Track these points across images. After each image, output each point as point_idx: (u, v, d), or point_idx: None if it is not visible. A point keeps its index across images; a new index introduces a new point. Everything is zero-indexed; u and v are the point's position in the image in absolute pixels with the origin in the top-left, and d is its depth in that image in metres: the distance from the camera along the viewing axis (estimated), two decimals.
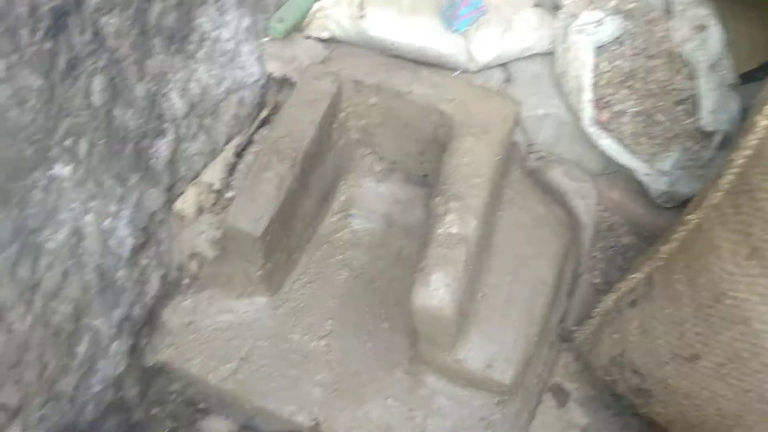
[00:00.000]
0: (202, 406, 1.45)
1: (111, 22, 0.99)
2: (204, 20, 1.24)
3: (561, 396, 1.52)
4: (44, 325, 1.04)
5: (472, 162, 1.27)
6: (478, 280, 1.31)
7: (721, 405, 1.04)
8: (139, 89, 1.11)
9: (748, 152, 0.97)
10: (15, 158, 0.89)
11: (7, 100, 0.84)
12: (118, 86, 1.05)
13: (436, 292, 1.13)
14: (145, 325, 1.33)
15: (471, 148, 1.28)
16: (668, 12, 1.63)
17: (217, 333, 1.39)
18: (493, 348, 1.28)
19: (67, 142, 0.97)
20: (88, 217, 1.07)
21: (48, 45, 0.88)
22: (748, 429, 1.01)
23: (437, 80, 1.36)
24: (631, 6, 1.63)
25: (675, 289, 1.11)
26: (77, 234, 1.06)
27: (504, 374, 1.27)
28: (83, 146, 1.01)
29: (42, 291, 1.02)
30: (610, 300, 1.33)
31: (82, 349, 1.16)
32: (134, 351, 1.32)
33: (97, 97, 1.00)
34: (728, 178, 1.01)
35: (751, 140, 0.96)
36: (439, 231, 1.19)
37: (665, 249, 1.18)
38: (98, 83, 1.00)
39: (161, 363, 1.38)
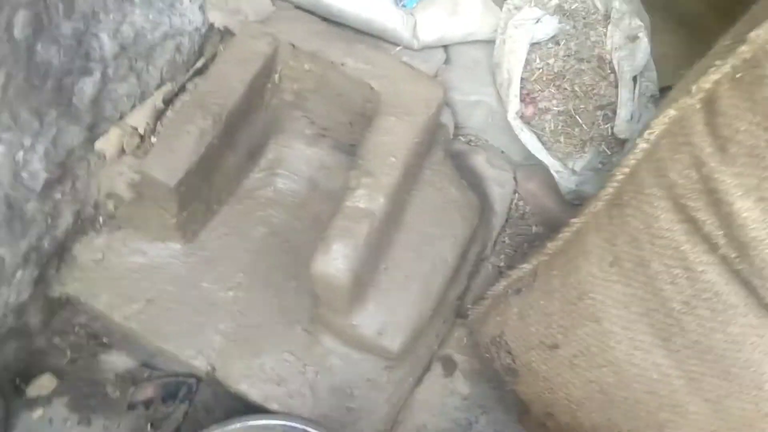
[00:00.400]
0: (104, 340, 1.49)
1: None
2: None
3: (449, 366, 1.64)
4: None
5: (390, 142, 1.32)
6: (382, 254, 1.39)
7: (570, 391, 1.16)
8: (66, 27, 1.11)
9: (626, 170, 1.06)
10: None
11: None
12: (43, 22, 1.05)
13: (334, 261, 1.20)
14: (54, 257, 1.36)
15: (392, 127, 1.34)
16: (607, 18, 1.71)
17: (127, 273, 1.43)
18: (387, 317, 1.37)
19: None
20: (0, 148, 1.08)
21: None
22: (587, 413, 1.14)
23: (371, 56, 1.40)
24: (574, 6, 1.70)
25: (551, 283, 1.22)
26: None
27: (393, 342, 1.37)
28: (0, 78, 1.01)
29: None
30: (501, 285, 1.43)
31: None
32: (40, 281, 1.35)
33: (18, 31, 1.00)
34: (608, 190, 1.11)
35: (630, 160, 1.05)
36: (348, 203, 1.25)
37: (551, 246, 1.28)
38: (21, 17, 1.00)
39: (67, 295, 1.41)
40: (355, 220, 1.24)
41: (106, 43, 1.24)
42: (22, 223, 1.22)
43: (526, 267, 1.35)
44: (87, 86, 1.23)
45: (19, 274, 1.28)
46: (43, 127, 1.16)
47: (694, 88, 0.91)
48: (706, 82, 0.89)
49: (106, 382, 1.46)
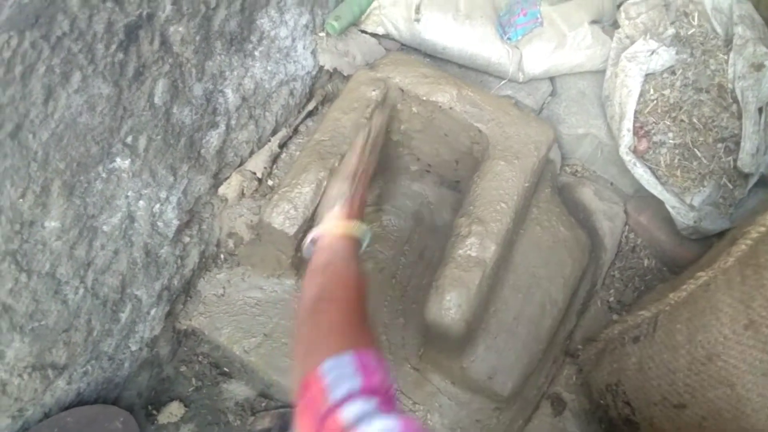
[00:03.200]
0: (225, 369, 1.59)
1: (179, 31, 1.06)
2: (264, 21, 1.29)
3: (558, 405, 1.61)
4: (94, 295, 1.17)
5: (500, 187, 1.32)
6: (491, 295, 1.38)
7: None
8: (197, 89, 1.18)
9: (762, 229, 1.00)
10: (81, 155, 0.99)
11: (80, 107, 0.93)
12: (179, 87, 1.13)
13: (447, 311, 1.21)
14: (182, 293, 1.46)
15: (501, 172, 1.33)
16: (727, 44, 1.61)
17: (246, 308, 1.51)
18: (497, 361, 1.37)
19: (128, 139, 1.07)
20: (141, 203, 1.18)
21: (119, 56, 0.96)
22: None
23: (478, 99, 1.39)
24: (690, 32, 1.61)
25: (675, 338, 1.17)
26: (129, 218, 1.17)
27: (503, 387, 1.36)
28: (142, 142, 1.10)
29: (94, 267, 1.14)
30: (615, 330, 1.39)
31: (124, 315, 1.29)
32: (170, 315, 1.45)
33: (158, 99, 1.09)
34: (741, 247, 1.05)
35: None
36: (459, 252, 1.26)
37: (673, 296, 1.22)
38: (161, 86, 1.08)
39: (193, 328, 1.51)
40: (467, 270, 1.24)
41: (231, 98, 1.31)
42: (157, 267, 1.32)
43: (645, 314, 1.30)
44: (213, 138, 1.31)
45: (153, 311, 1.38)
46: (177, 180, 1.25)
47: None
48: None
49: (228, 411, 1.55)
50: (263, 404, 1.57)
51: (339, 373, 0.76)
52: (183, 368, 1.58)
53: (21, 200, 0.91)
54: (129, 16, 0.94)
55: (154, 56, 1.03)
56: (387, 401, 0.73)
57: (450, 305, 1.21)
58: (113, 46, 0.94)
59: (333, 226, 1.09)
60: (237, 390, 1.57)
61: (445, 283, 1.23)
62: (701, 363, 1.09)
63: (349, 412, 0.69)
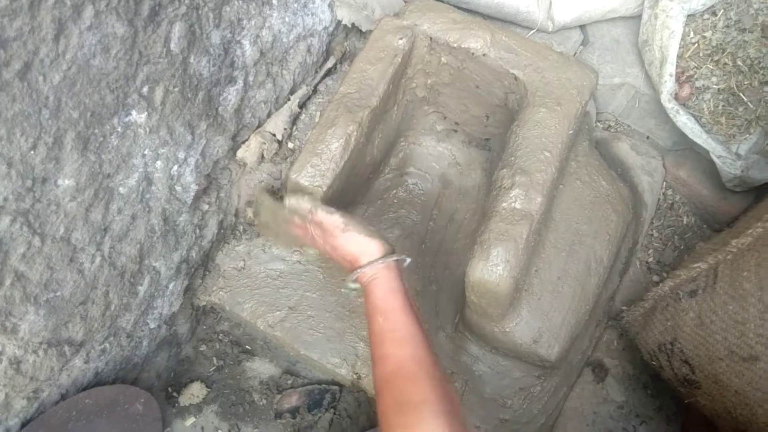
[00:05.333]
0: (248, 347, 1.49)
1: None
2: None
3: (600, 372, 1.53)
4: (111, 265, 1.07)
5: (542, 135, 1.22)
6: (534, 254, 1.30)
7: None
8: (215, 36, 1.08)
9: None
10: (96, 104, 0.89)
11: (93, 47, 0.83)
12: (196, 33, 1.03)
13: (495, 267, 1.12)
14: (201, 267, 1.36)
15: (543, 120, 1.23)
16: None
17: (268, 280, 1.41)
18: (542, 324, 1.28)
19: (145, 90, 0.97)
20: (158, 164, 1.08)
21: None
22: None
23: (514, 44, 1.29)
24: None
25: (742, 286, 1.08)
26: (147, 179, 1.07)
27: (550, 351, 1.27)
28: (159, 94, 1.00)
29: (111, 234, 1.04)
30: (666, 286, 1.30)
31: (143, 288, 1.19)
32: (188, 291, 1.36)
33: (175, 45, 0.99)
34: None
35: None
36: (504, 205, 1.17)
37: (736, 243, 1.14)
38: (178, 30, 0.98)
39: (213, 304, 1.42)
40: (513, 223, 1.15)
41: (248, 50, 1.21)
42: (176, 236, 1.23)
43: (701, 266, 1.21)
44: (231, 95, 1.21)
45: (171, 285, 1.29)
46: (195, 139, 1.15)
47: None
48: None
49: (252, 390, 1.46)
50: (289, 382, 1.48)
51: None
52: (203, 347, 1.49)
53: (32, 152, 0.81)
54: None
55: None
56: None
57: (498, 260, 1.12)
58: None
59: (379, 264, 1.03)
60: (261, 368, 1.48)
61: (490, 237, 1.14)
62: None
63: None
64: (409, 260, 1.07)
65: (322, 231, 1.11)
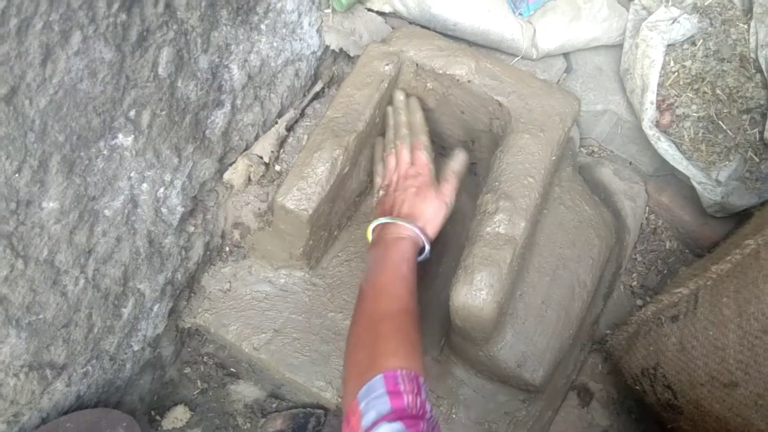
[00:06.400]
0: (232, 370, 1.49)
1: None
2: None
3: (585, 396, 1.53)
4: (95, 287, 1.07)
5: (526, 161, 1.24)
6: (518, 279, 1.31)
7: None
8: (203, 61, 1.10)
9: None
10: (82, 128, 0.89)
11: (80, 72, 0.84)
12: (184, 58, 1.04)
13: (478, 292, 1.13)
14: (186, 288, 1.36)
15: (526, 146, 1.25)
16: (748, 12, 1.56)
17: (254, 303, 1.41)
18: (526, 348, 1.29)
19: (131, 113, 0.98)
20: (144, 186, 1.08)
21: (122, 17, 0.87)
22: None
23: (498, 71, 1.32)
24: (708, 2, 1.56)
25: (722, 312, 1.10)
26: (133, 202, 1.07)
27: (534, 375, 1.28)
28: (146, 117, 1.01)
29: (95, 256, 1.04)
30: (649, 311, 1.32)
31: (126, 310, 1.19)
32: (173, 313, 1.35)
33: (162, 69, 1.00)
34: None
35: None
36: (487, 230, 1.18)
37: (716, 269, 1.16)
38: (166, 55, 0.99)
39: (197, 326, 1.41)
40: (497, 248, 1.16)
41: (236, 74, 1.22)
42: (161, 258, 1.23)
43: (682, 292, 1.23)
44: (219, 118, 1.23)
45: (156, 307, 1.28)
46: (181, 162, 1.16)
47: None
48: None
49: (236, 414, 1.45)
50: (274, 405, 1.47)
51: (370, 398, 0.82)
52: (187, 370, 1.48)
53: (17, 175, 0.82)
54: None
55: (158, 20, 0.94)
56: (414, 423, 0.78)
57: (481, 285, 1.12)
58: (115, 5, 0.85)
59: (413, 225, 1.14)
60: (246, 391, 1.48)
61: (474, 262, 1.15)
62: (755, 336, 1.02)
63: None
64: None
65: (420, 172, 1.21)
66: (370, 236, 1.19)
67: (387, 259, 1.07)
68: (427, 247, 1.14)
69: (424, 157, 1.25)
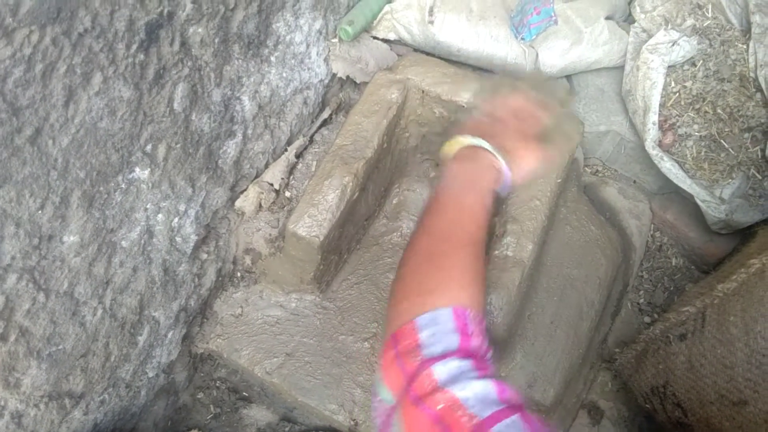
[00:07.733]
0: (245, 394, 1.50)
1: (198, 32, 1.00)
2: (280, 25, 1.24)
3: (596, 414, 1.54)
4: (112, 317, 1.09)
5: (532, 184, 1.27)
6: (526, 300, 1.32)
7: None
8: (216, 94, 1.13)
9: None
10: (101, 164, 0.92)
11: (101, 110, 0.87)
12: (198, 92, 1.07)
13: (488, 316, 1.14)
14: (199, 315, 1.38)
15: None
16: (746, 33, 1.59)
17: (266, 327, 1.43)
18: (536, 368, 1.30)
19: (148, 148, 1.00)
20: (160, 217, 1.11)
21: (140, 57, 0.90)
22: None
23: None
24: (707, 23, 1.59)
25: (729, 331, 1.11)
26: (148, 232, 1.10)
27: (544, 395, 1.29)
28: (161, 150, 1.04)
29: (113, 286, 1.06)
30: (657, 329, 1.33)
31: (142, 338, 1.21)
32: (186, 339, 1.37)
33: (178, 104, 1.03)
34: None
35: None
36: (496, 252, 1.20)
37: (722, 288, 1.17)
38: (181, 90, 1.02)
39: (210, 351, 1.43)
40: (505, 270, 1.18)
41: (247, 105, 1.25)
42: (175, 286, 1.25)
43: (689, 310, 1.24)
44: (230, 148, 1.25)
45: (170, 334, 1.30)
46: (195, 192, 1.19)
47: None
48: None
49: None
50: (287, 429, 1.49)
51: (436, 330, 0.73)
52: (200, 395, 1.49)
53: (40, 212, 0.84)
54: (150, 13, 0.89)
55: (174, 58, 0.98)
56: (482, 365, 0.70)
57: (491, 308, 1.14)
58: (134, 46, 0.88)
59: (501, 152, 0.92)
60: (258, 415, 1.49)
61: None
62: (762, 355, 1.03)
63: (444, 371, 0.67)
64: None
65: (538, 124, 0.98)
66: (451, 148, 0.97)
67: (477, 182, 0.91)
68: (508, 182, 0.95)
69: (546, 118, 1.02)
